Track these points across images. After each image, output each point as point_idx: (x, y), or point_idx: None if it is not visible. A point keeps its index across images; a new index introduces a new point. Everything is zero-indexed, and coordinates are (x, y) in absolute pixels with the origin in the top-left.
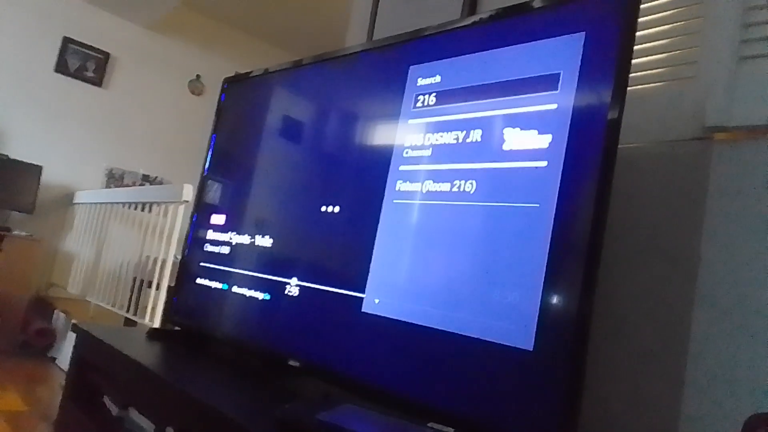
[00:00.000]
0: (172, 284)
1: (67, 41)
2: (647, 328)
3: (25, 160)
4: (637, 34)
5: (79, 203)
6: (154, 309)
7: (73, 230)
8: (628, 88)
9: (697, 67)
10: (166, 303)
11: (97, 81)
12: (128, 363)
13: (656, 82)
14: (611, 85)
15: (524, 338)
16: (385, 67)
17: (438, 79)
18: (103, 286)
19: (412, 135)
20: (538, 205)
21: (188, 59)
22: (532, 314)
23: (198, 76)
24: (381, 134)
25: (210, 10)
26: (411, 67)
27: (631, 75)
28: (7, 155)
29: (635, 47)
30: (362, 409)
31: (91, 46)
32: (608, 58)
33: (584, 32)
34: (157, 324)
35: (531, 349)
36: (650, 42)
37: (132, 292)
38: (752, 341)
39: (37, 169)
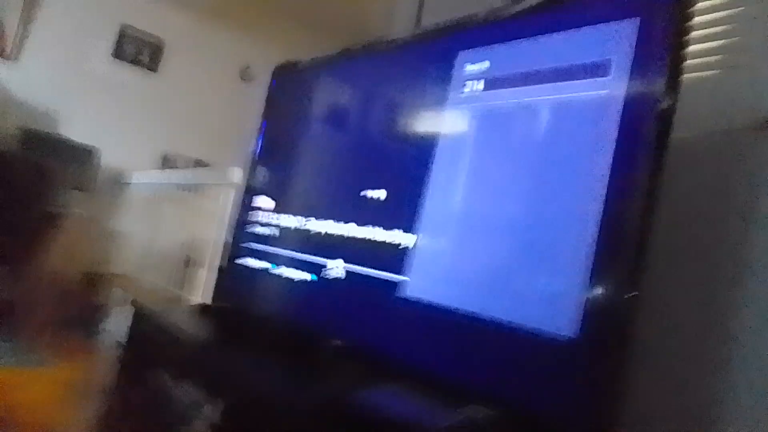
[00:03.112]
0: (221, 264)
1: (124, 28)
2: (691, 326)
3: (84, 142)
4: (696, 19)
5: (133, 184)
6: (203, 288)
7: (127, 210)
8: (682, 76)
9: (758, 55)
10: (216, 282)
11: (153, 67)
12: (179, 338)
13: (712, 70)
14: (665, 73)
15: (568, 326)
16: (433, 54)
17: (487, 65)
18: (154, 264)
19: (459, 120)
20: (586, 193)
21: (239, 46)
22: (577, 303)
23: (248, 64)
24: (428, 120)
25: None
26: (459, 53)
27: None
28: (66, 137)
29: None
30: (403, 391)
31: (146, 32)
32: (663, 45)
33: (639, 17)
34: (206, 302)
35: (574, 337)
36: (706, 28)
37: (181, 271)
38: None
39: (95, 151)
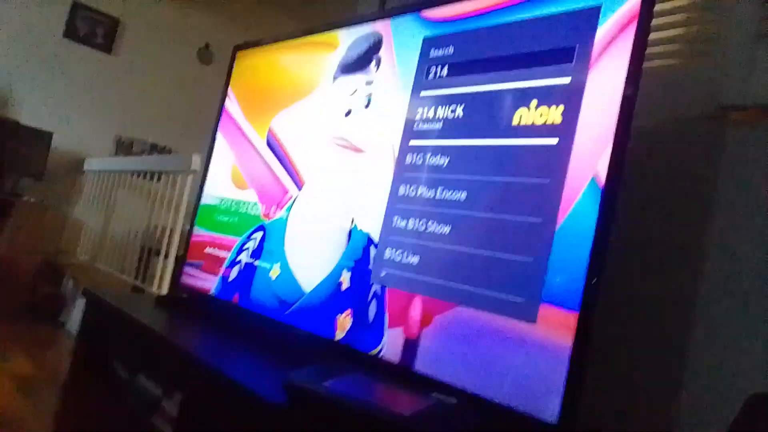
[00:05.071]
0: (180, 253)
1: (76, 6)
2: (651, 305)
3: (35, 126)
4: (655, 8)
5: (88, 170)
6: (161, 277)
7: (82, 197)
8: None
9: (715, 44)
10: (174, 271)
11: (106, 47)
12: (138, 328)
13: (672, 58)
14: (627, 60)
15: (529, 314)
16: (397, 36)
17: (451, 50)
18: (112, 253)
19: (423, 107)
20: (548, 181)
21: (198, 26)
22: (538, 290)
23: (207, 45)
24: (392, 105)
25: None
26: (424, 37)
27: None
28: (17, 121)
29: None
30: (368, 378)
31: (100, 11)
32: (625, 32)
33: (601, 4)
34: (164, 292)
35: (534, 322)
36: (667, 16)
37: (140, 260)
38: (756, 328)
39: (47, 135)
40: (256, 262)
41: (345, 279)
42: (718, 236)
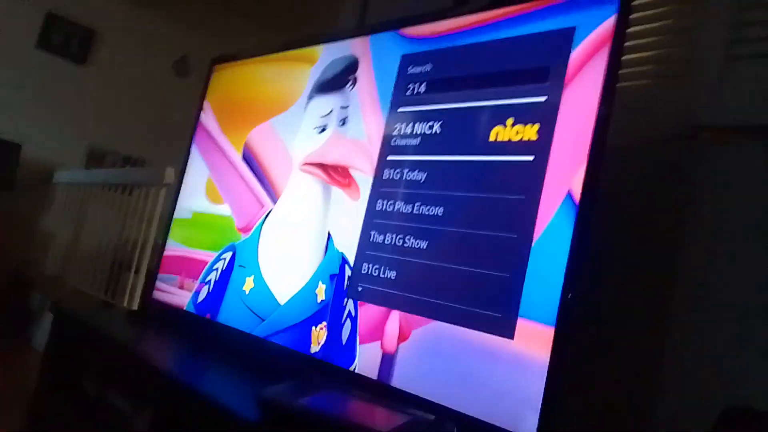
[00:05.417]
0: (152, 267)
1: (50, 16)
2: (627, 328)
3: (4, 137)
4: (628, 30)
5: (59, 182)
6: (132, 292)
7: (52, 210)
8: (617, 85)
9: (687, 66)
10: (145, 286)
11: (81, 58)
12: (107, 344)
13: (645, 80)
14: (601, 81)
15: (507, 329)
16: (376, 53)
17: (429, 67)
18: (82, 267)
19: (401, 123)
20: (524, 197)
21: (174, 38)
22: (515, 306)
23: (183, 57)
24: (370, 121)
25: None
26: (402, 54)
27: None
28: None
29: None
30: (344, 394)
31: (74, 22)
32: (599, 53)
33: (575, 26)
34: (135, 307)
35: (512, 338)
36: (640, 39)
37: (110, 274)
38: (730, 340)
39: (16, 147)
40: (229, 277)
41: (321, 291)
42: (692, 252)
